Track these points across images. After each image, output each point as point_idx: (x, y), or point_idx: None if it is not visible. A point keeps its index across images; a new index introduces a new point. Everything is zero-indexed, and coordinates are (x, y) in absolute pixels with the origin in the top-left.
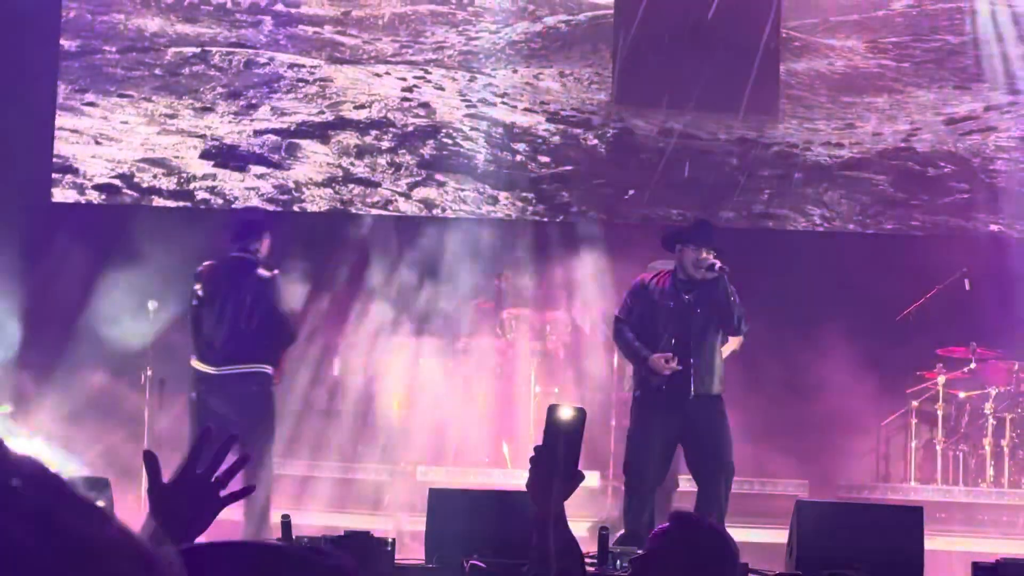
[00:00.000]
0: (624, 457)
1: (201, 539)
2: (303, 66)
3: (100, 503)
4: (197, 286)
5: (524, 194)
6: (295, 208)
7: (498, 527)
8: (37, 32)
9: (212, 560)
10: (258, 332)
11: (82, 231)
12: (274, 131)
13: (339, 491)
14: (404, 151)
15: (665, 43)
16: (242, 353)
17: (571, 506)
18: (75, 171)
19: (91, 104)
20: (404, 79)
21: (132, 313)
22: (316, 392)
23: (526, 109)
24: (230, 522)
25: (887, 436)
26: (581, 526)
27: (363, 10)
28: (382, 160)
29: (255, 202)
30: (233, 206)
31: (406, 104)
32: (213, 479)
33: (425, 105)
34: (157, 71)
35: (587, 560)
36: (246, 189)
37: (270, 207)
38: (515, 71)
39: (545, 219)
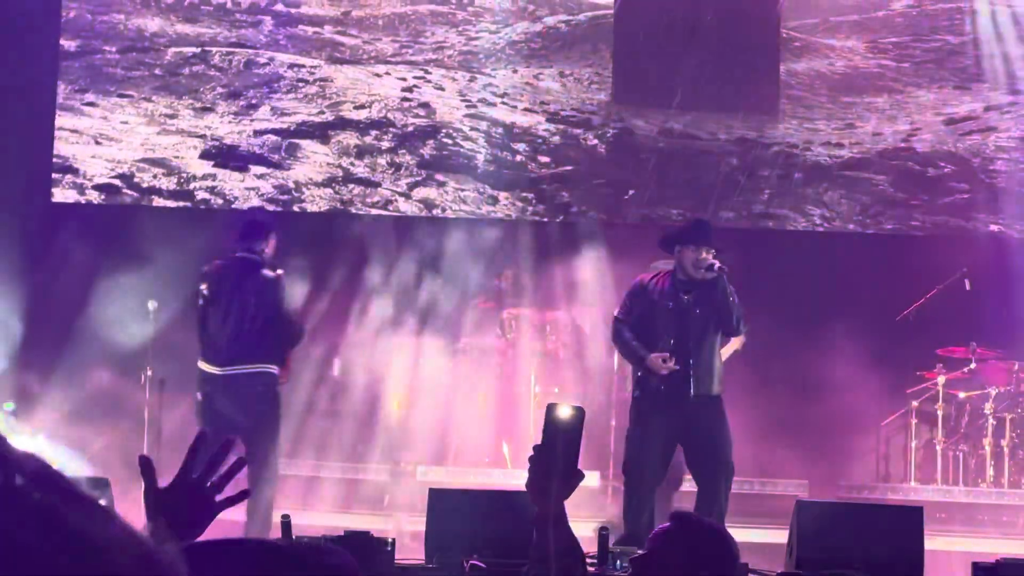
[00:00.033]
0: (624, 457)
1: (203, 537)
2: (303, 66)
3: (101, 502)
4: (203, 286)
5: (524, 194)
6: (295, 208)
7: (498, 527)
8: (37, 32)
9: (214, 558)
10: (262, 332)
11: (82, 231)
12: (274, 131)
13: (343, 491)
14: (404, 151)
15: (665, 43)
16: (247, 353)
17: (571, 506)
18: (75, 171)
19: (91, 104)
20: (404, 79)
21: (132, 313)
22: (316, 392)
23: (526, 109)
24: (232, 522)
25: (887, 436)
26: (588, 526)
27: (363, 10)
28: (382, 160)
29: (255, 202)
30: (233, 206)
31: (406, 104)
32: (209, 484)
33: (425, 105)
34: (157, 71)
35: (587, 560)
36: (246, 189)
37: (270, 207)
38: (515, 71)
39: (545, 219)
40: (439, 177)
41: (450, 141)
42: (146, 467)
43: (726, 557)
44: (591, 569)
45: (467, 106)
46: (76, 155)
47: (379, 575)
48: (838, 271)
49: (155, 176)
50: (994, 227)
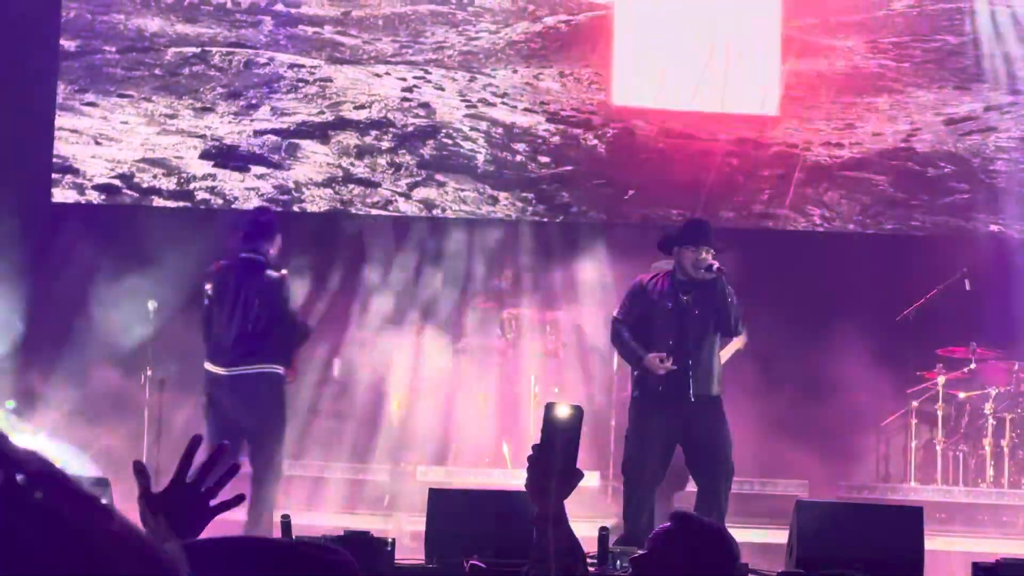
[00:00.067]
0: (623, 457)
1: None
2: (303, 66)
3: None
4: (208, 286)
5: (524, 194)
6: (295, 208)
7: (498, 527)
8: (37, 32)
9: (214, 557)
10: (267, 333)
11: (82, 231)
12: (274, 131)
13: (344, 492)
14: (404, 151)
15: (665, 43)
16: (252, 354)
17: (571, 506)
18: (75, 171)
19: (91, 104)
20: (404, 79)
21: (132, 313)
22: (316, 393)
23: (526, 109)
24: (232, 521)
25: (887, 436)
26: (588, 526)
27: (363, 10)
28: (382, 160)
29: (255, 202)
30: (233, 206)
31: (406, 104)
32: (204, 489)
33: (425, 105)
34: (157, 71)
35: (588, 560)
36: (246, 189)
37: (270, 207)
38: (515, 71)
39: (545, 219)
40: (439, 177)
41: (450, 141)
42: (140, 472)
43: (726, 557)
44: (591, 569)
45: (467, 106)
46: (76, 155)
47: (379, 575)
48: (838, 271)
49: (155, 176)
50: (994, 227)
